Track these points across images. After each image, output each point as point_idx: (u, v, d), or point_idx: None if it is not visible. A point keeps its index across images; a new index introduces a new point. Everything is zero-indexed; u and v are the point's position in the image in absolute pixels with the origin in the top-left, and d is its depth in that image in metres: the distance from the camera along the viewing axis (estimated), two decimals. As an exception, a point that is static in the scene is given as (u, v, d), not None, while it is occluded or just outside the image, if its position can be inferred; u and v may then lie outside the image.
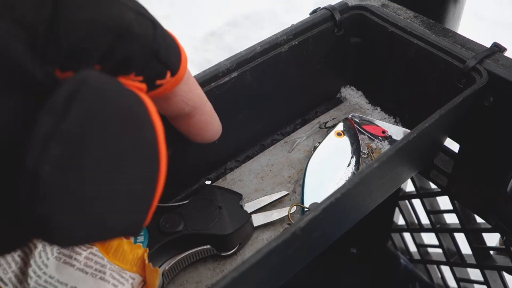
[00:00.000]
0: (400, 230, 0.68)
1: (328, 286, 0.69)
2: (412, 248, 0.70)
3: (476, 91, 0.36)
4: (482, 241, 0.53)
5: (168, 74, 0.23)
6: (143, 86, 0.22)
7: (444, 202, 0.55)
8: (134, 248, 0.33)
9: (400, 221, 0.69)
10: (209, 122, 0.31)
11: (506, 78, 0.37)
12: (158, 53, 0.22)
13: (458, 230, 0.54)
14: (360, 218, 0.40)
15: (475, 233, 0.52)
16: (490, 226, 0.49)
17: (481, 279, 0.56)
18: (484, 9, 1.72)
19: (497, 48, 0.39)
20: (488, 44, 0.40)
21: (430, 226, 0.59)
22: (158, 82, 0.23)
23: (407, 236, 0.69)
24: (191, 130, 0.31)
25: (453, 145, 0.47)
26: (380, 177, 0.36)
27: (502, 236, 0.47)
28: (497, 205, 0.45)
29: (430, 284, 0.67)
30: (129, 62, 0.20)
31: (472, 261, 0.56)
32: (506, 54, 0.39)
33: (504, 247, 0.48)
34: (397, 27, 0.43)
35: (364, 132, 0.47)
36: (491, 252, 0.55)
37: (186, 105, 0.28)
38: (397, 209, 0.66)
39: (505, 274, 0.54)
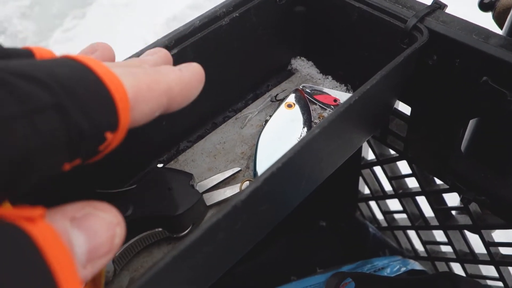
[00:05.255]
0: (366, 199, 0.69)
1: (300, 261, 0.69)
2: (379, 216, 0.70)
3: (418, 49, 0.36)
4: (443, 202, 0.54)
5: (108, 134, 0.19)
6: (37, 212, 0.17)
7: (405, 167, 0.55)
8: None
9: (366, 190, 0.69)
10: (188, 91, 0.25)
11: (447, 34, 0.36)
12: (82, 130, 0.18)
13: (419, 194, 0.55)
14: (314, 188, 0.40)
15: (435, 194, 0.52)
16: (448, 187, 0.49)
17: (446, 240, 0.57)
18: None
19: (438, 5, 0.39)
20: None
21: (393, 192, 0.60)
22: (101, 147, 0.19)
23: (373, 204, 0.69)
24: (177, 107, 0.25)
25: (407, 109, 0.47)
26: (327, 143, 0.35)
27: (459, 195, 0.47)
28: (452, 165, 0.45)
29: (399, 249, 0.68)
30: (40, 175, 0.17)
31: (436, 223, 0.56)
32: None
33: (463, 205, 0.49)
34: (338, -9, 0.42)
35: (316, 102, 0.46)
36: (453, 213, 0.56)
37: (154, 112, 0.22)
38: (361, 179, 0.66)
39: (468, 233, 0.55)
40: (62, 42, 1.75)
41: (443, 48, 0.37)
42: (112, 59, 0.31)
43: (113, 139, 0.20)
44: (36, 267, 0.15)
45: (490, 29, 0.36)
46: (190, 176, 0.39)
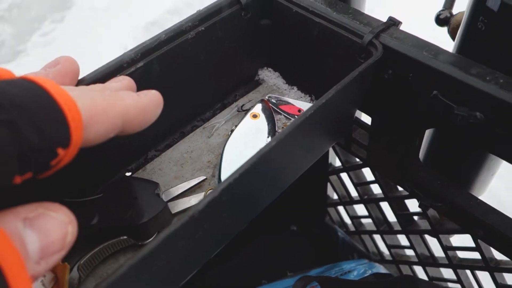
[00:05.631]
0: (335, 204, 0.71)
1: (271, 265, 0.71)
2: (347, 220, 0.72)
3: (372, 64, 0.38)
4: (405, 208, 0.56)
5: (60, 150, 0.20)
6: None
7: (370, 173, 0.57)
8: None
9: (335, 196, 0.71)
10: (145, 115, 0.27)
11: (399, 50, 0.38)
12: (32, 145, 0.19)
13: (382, 200, 0.57)
14: (277, 195, 0.41)
15: (397, 200, 0.55)
16: (408, 193, 0.51)
17: (408, 244, 0.59)
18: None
19: (392, 22, 0.41)
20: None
21: (359, 198, 0.62)
22: (53, 162, 0.20)
23: (341, 209, 0.71)
24: (133, 130, 0.27)
25: (370, 119, 0.49)
26: (286, 154, 0.37)
27: (418, 201, 0.49)
28: (410, 173, 0.47)
29: (366, 253, 0.70)
30: None
31: (399, 228, 0.58)
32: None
33: (422, 211, 0.51)
34: (300, 7, 0.44)
35: (281, 112, 0.48)
36: (416, 218, 0.58)
37: (109, 133, 0.24)
38: (329, 184, 0.68)
39: (429, 238, 0.57)
40: (40, 46, 1.74)
41: (397, 63, 0.39)
42: (75, 71, 0.32)
43: (65, 155, 0.21)
44: None
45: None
46: (156, 185, 0.40)
